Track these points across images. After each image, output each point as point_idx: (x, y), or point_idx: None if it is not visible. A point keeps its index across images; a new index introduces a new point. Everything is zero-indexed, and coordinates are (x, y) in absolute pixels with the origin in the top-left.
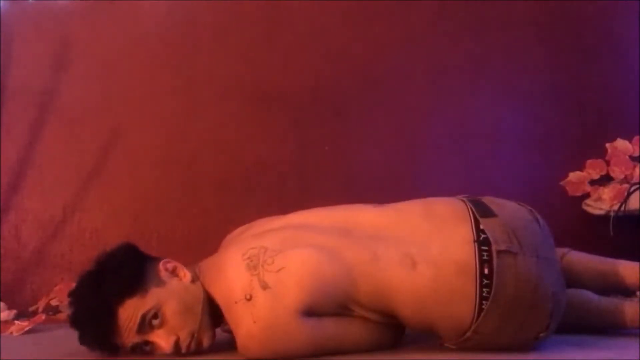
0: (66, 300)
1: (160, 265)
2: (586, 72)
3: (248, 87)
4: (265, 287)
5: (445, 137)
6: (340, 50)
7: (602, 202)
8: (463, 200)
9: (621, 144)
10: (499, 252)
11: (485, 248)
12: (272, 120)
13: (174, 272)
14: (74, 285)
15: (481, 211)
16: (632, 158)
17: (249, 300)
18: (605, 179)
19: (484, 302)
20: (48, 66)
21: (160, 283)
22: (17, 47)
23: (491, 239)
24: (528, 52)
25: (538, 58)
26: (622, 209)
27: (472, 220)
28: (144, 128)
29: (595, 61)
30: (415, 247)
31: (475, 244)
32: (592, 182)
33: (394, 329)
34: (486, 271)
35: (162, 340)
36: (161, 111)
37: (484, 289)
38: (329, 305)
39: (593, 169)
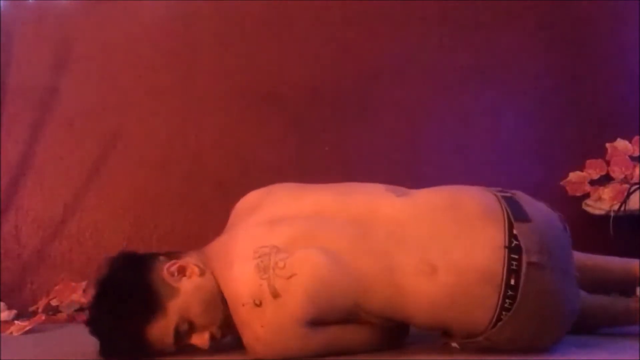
0: (86, 324)
1: (165, 271)
2: (586, 72)
3: (248, 87)
4: (275, 295)
5: (445, 137)
6: (341, 50)
7: (602, 202)
8: (496, 196)
9: (621, 144)
10: (529, 263)
11: (515, 257)
12: (272, 120)
13: (180, 272)
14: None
15: (516, 213)
16: (632, 158)
17: (258, 305)
18: (605, 179)
19: (504, 312)
20: (48, 66)
21: (174, 292)
22: (17, 47)
23: (523, 248)
24: (528, 52)
25: (538, 58)
26: (622, 209)
27: (506, 223)
28: (144, 128)
29: (595, 61)
30: (437, 250)
31: (506, 250)
32: (592, 182)
33: (398, 329)
34: (512, 282)
35: (198, 341)
36: (161, 111)
37: (507, 300)
38: (337, 315)
39: (593, 169)
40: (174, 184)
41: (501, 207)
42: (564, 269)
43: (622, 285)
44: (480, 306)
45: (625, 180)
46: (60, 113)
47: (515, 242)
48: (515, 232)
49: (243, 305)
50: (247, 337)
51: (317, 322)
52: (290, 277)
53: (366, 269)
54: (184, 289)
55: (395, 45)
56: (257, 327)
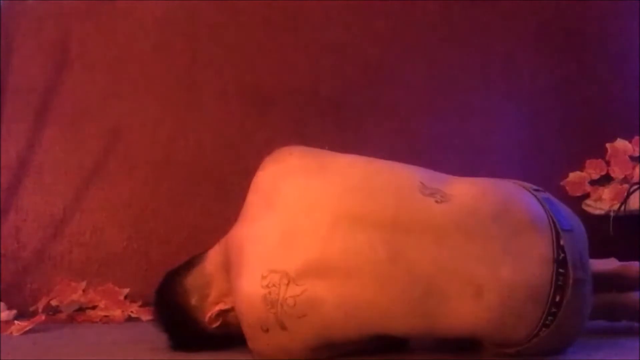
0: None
1: (208, 324)
2: (586, 72)
3: (248, 87)
4: (283, 328)
5: (444, 136)
6: (341, 49)
7: (602, 202)
8: (536, 197)
9: (621, 144)
10: (574, 280)
11: (562, 271)
12: (272, 120)
13: (222, 312)
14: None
15: (561, 221)
16: (632, 158)
17: (265, 331)
18: (605, 179)
19: (543, 329)
20: (48, 66)
21: (226, 326)
22: (17, 47)
23: (569, 262)
24: (528, 52)
25: (538, 57)
26: (622, 209)
27: (554, 233)
28: (144, 128)
29: (595, 61)
30: (484, 267)
31: (554, 264)
32: (592, 182)
33: None
34: (557, 299)
35: None
36: (161, 111)
37: (549, 317)
38: (350, 342)
39: (593, 169)
40: (174, 184)
41: (546, 213)
42: (592, 281)
43: (621, 287)
44: (522, 323)
45: (625, 180)
46: (60, 113)
47: (562, 254)
48: (562, 242)
49: (249, 326)
50: (252, 346)
51: (327, 348)
52: (301, 317)
53: (393, 302)
54: (232, 318)
55: (396, 44)
56: (263, 345)
